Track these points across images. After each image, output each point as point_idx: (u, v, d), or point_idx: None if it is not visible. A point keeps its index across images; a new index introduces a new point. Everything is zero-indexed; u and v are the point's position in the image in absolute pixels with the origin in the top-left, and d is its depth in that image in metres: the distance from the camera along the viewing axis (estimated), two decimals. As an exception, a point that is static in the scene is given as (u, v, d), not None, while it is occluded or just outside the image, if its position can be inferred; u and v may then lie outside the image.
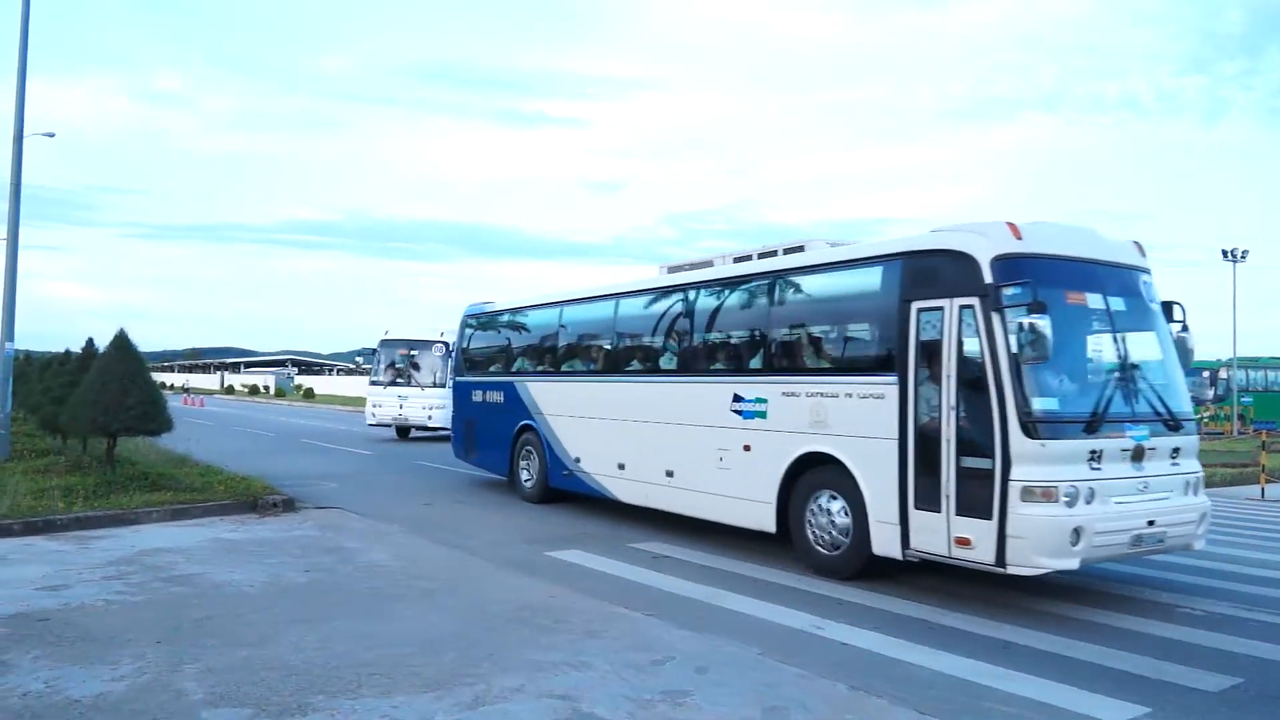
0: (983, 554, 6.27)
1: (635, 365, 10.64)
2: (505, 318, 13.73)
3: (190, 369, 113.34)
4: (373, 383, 24.33)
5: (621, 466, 10.29)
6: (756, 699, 4.58)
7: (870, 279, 7.66)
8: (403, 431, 24.36)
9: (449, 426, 22.36)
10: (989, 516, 6.23)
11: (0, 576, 6.98)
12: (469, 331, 14.51)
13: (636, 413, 10.11)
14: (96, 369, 11.17)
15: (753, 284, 8.99)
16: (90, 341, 14.21)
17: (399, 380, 23.58)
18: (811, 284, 8.42)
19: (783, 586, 7.35)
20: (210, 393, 73.30)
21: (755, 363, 8.75)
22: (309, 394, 62.44)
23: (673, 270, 10.44)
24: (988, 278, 6.45)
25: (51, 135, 20.17)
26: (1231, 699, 4.88)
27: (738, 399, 8.62)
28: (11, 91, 13.93)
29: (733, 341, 9.37)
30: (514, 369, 13.03)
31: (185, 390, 69.02)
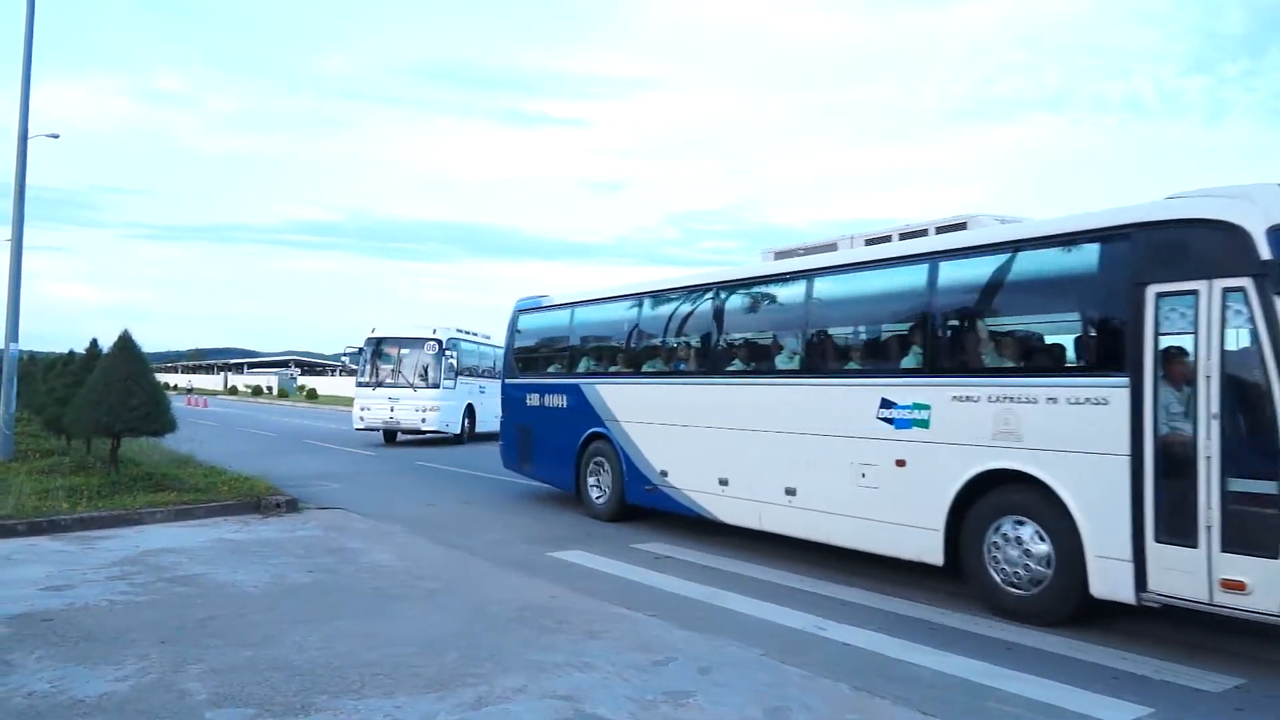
0: (1265, 601, 5.09)
1: (741, 365, 9.22)
2: (567, 312, 12.05)
3: (193, 369, 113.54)
4: (360, 384, 22.63)
5: (724, 483, 8.88)
6: (759, 699, 4.59)
7: (1082, 259, 6.32)
8: (390, 435, 22.93)
9: (443, 429, 21.75)
10: (1276, 554, 5.04)
11: (4, 576, 7.00)
12: (521, 328, 13.04)
13: (745, 420, 8.70)
14: (100, 370, 11.19)
15: (903, 268, 7.56)
16: (94, 342, 14.24)
17: (389, 380, 22.04)
18: (990, 267, 6.94)
19: (784, 587, 7.35)
20: (213, 393, 73.41)
21: (910, 361, 7.31)
22: (312, 395, 62.54)
23: (781, 256, 9.11)
24: (1265, 253, 5.22)
25: (56, 136, 20.23)
26: (1234, 700, 4.87)
27: (887, 405, 7.27)
28: (15, 93, 13.95)
29: (877, 337, 8.12)
30: (580, 369, 11.61)
31: (189, 391, 69.12)
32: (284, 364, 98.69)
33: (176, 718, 4.22)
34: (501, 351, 26.99)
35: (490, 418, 24.71)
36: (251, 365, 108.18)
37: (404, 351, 22.30)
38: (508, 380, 13.12)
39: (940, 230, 7.59)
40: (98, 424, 10.90)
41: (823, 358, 8.27)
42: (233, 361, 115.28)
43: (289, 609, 6.21)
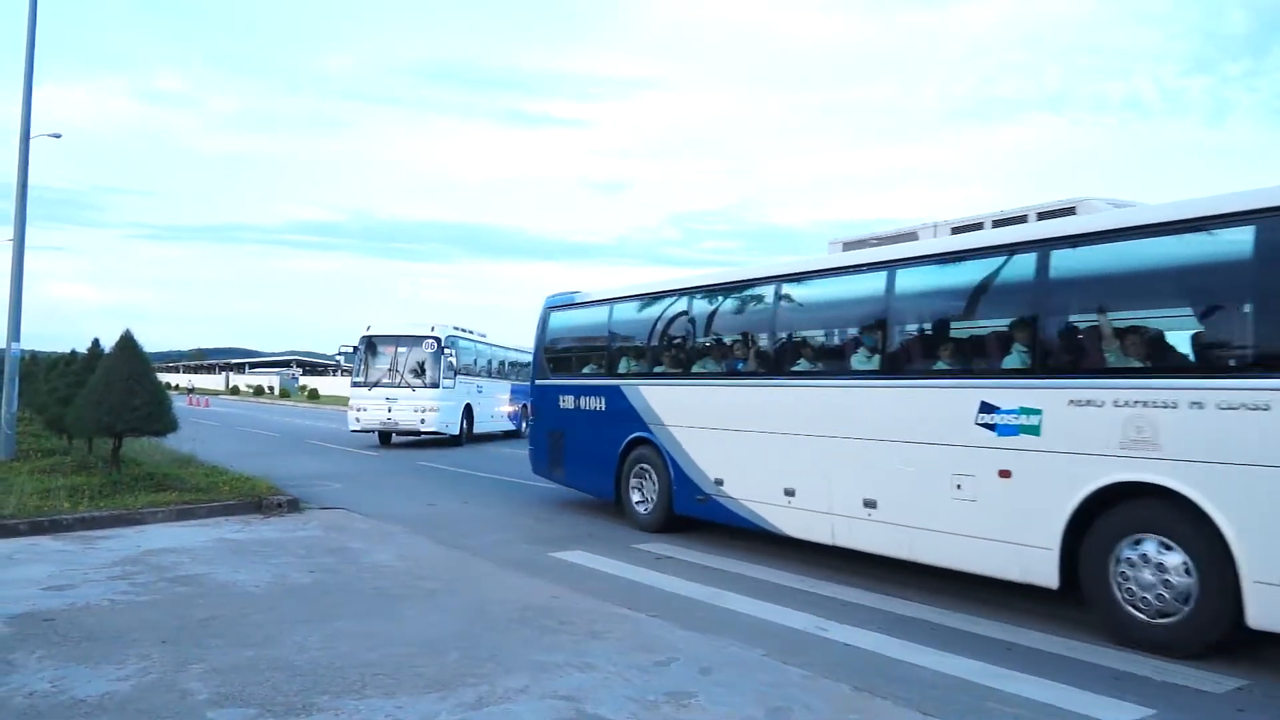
0: None
1: (809, 365, 8.50)
2: (605, 309, 11.27)
3: (195, 369, 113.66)
4: (355, 384, 21.59)
5: (790, 493, 8.15)
6: (760, 700, 4.58)
7: (1233, 244, 5.56)
8: (385, 437, 22.05)
9: (443, 430, 21.01)
10: None
11: (6, 576, 7.01)
12: (553, 326, 12.24)
13: (815, 425, 7.95)
14: (102, 369, 11.21)
15: (1006, 258, 6.84)
16: (96, 342, 14.26)
17: (386, 380, 21.10)
18: (1115, 255, 6.24)
19: (786, 587, 7.35)
20: (215, 393, 73.48)
21: (1014, 361, 6.60)
22: (313, 394, 62.59)
23: (851, 246, 8.47)
24: None
25: (58, 136, 20.30)
26: (1236, 701, 4.87)
27: (989, 409, 6.54)
28: (17, 94, 13.96)
29: (974, 335, 7.33)
30: (621, 370, 10.89)
31: (190, 391, 69.18)
32: (285, 364, 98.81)
33: (178, 718, 4.22)
34: (500, 351, 26.45)
35: (488, 418, 24.27)
36: (253, 365, 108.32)
37: (401, 350, 21.40)
38: (538, 381, 12.33)
39: (1044, 216, 6.93)
40: (99, 424, 10.91)
41: (909, 357, 7.59)
42: (234, 361, 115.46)
43: (290, 609, 6.21)
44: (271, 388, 74.46)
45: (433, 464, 17.44)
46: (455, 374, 21.49)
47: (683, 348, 10.11)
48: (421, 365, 21.07)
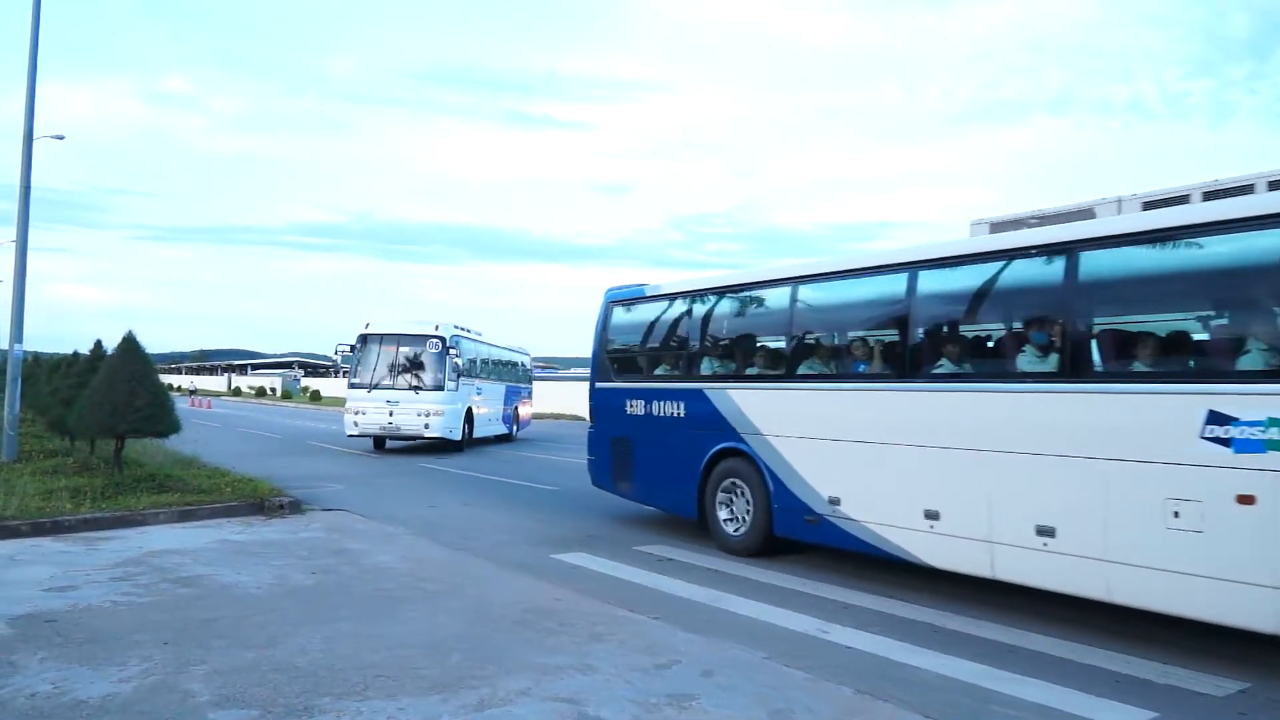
0: None
1: (957, 366, 7.24)
2: (684, 304, 10.15)
3: (197, 371, 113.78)
4: (353, 385, 20.01)
5: (933, 516, 6.99)
6: (762, 702, 4.58)
7: None
8: (379, 442, 20.74)
9: (447, 435, 19.75)
10: None
11: (8, 577, 7.01)
12: (616, 323, 11.12)
13: (969, 437, 6.77)
14: (104, 371, 11.22)
15: (1239, 236, 5.58)
16: (98, 343, 14.29)
17: (386, 382, 19.64)
18: None
19: (788, 590, 7.34)
20: (217, 395, 73.56)
21: (1254, 362, 5.40)
22: (315, 396, 62.64)
23: (1000, 227, 7.59)
24: None
25: (61, 138, 20.33)
26: (1238, 704, 4.86)
27: (1220, 420, 5.34)
28: (21, 94, 13.98)
29: (1194, 331, 6.18)
30: (704, 371, 9.66)
31: (192, 392, 69.25)
32: (288, 365, 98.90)
33: (180, 719, 4.23)
34: (496, 350, 25.20)
35: (486, 422, 23.26)
36: (255, 366, 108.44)
37: (403, 349, 19.95)
38: (598, 384, 11.09)
39: (1276, 185, 5.99)
40: (102, 425, 10.92)
41: (1099, 358, 6.32)
42: (236, 363, 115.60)
43: (292, 610, 6.21)
44: (274, 389, 74.54)
45: (434, 466, 17.44)
46: (459, 375, 20.46)
47: (787, 346, 8.77)
48: (425, 366, 19.77)
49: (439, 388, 19.62)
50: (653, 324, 10.65)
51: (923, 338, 7.54)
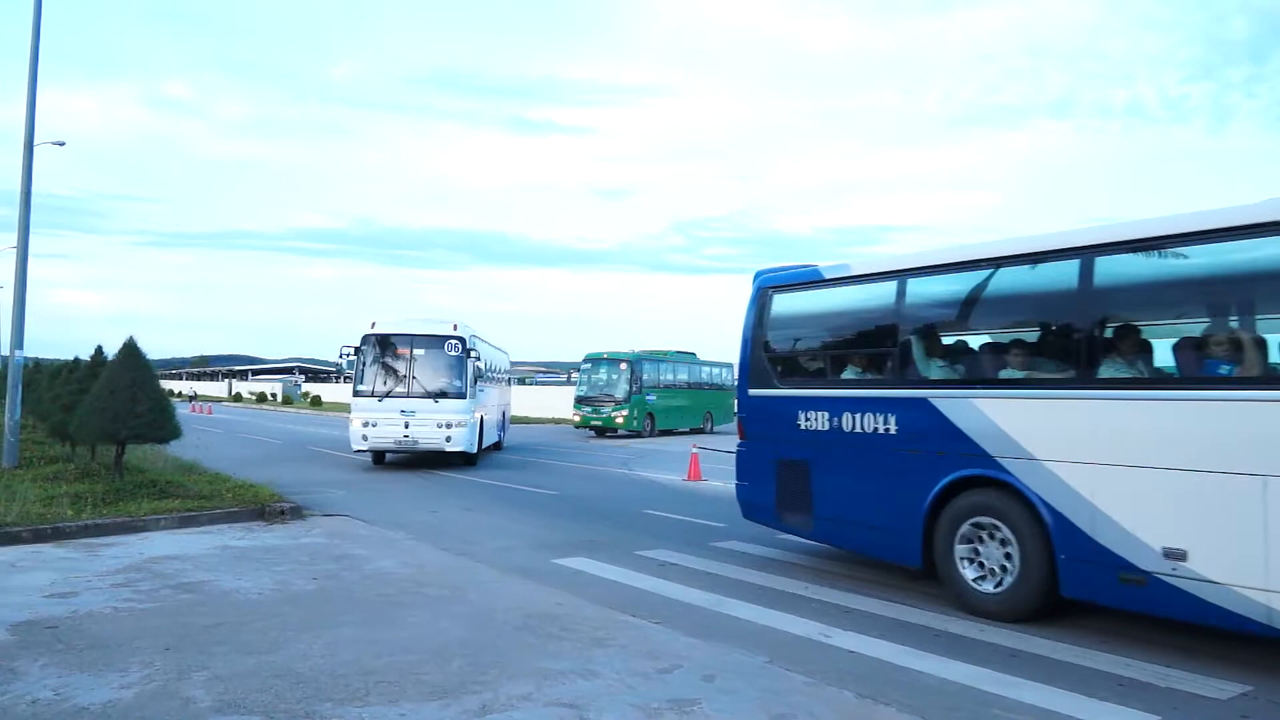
0: None
1: None
2: (885, 286, 7.81)
3: (198, 376, 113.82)
4: (360, 393, 17.12)
5: None
6: (764, 707, 4.58)
7: None
8: (379, 456, 18.08)
9: (468, 449, 17.29)
10: None
11: (9, 584, 7.01)
12: (778, 314, 8.83)
13: None
14: (105, 377, 11.23)
15: None
16: (99, 349, 14.31)
17: (400, 390, 16.94)
18: None
19: (789, 594, 7.33)
20: (218, 400, 73.55)
21: None
22: (316, 401, 62.61)
23: None
24: None
25: (62, 144, 20.36)
26: (1240, 706, 4.85)
27: None
28: (22, 101, 14.00)
29: None
30: (927, 373, 7.39)
31: (193, 398, 69.26)
32: (289, 371, 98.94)
33: (181, 725, 4.22)
34: (493, 351, 22.28)
35: (491, 429, 21.66)
36: (256, 372, 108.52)
37: (418, 352, 17.30)
38: (753, 392, 8.82)
39: None
40: (103, 431, 10.93)
41: None
42: (238, 368, 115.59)
43: (293, 616, 6.21)
44: (275, 395, 74.48)
45: (434, 471, 17.41)
46: (478, 380, 18.13)
47: (1084, 339, 6.37)
48: (444, 370, 17.23)
49: (460, 395, 17.04)
50: (836, 314, 8.53)
51: None
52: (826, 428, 8.00)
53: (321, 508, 11.56)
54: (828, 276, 8.45)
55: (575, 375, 36.11)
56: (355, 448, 17.35)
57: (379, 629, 5.92)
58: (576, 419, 30.56)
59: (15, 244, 13.88)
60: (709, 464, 17.67)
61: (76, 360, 16.74)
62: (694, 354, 34.21)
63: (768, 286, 8.95)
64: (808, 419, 8.19)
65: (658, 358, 31.86)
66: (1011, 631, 6.23)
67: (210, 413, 46.67)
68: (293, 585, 7.17)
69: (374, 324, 17.50)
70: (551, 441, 26.77)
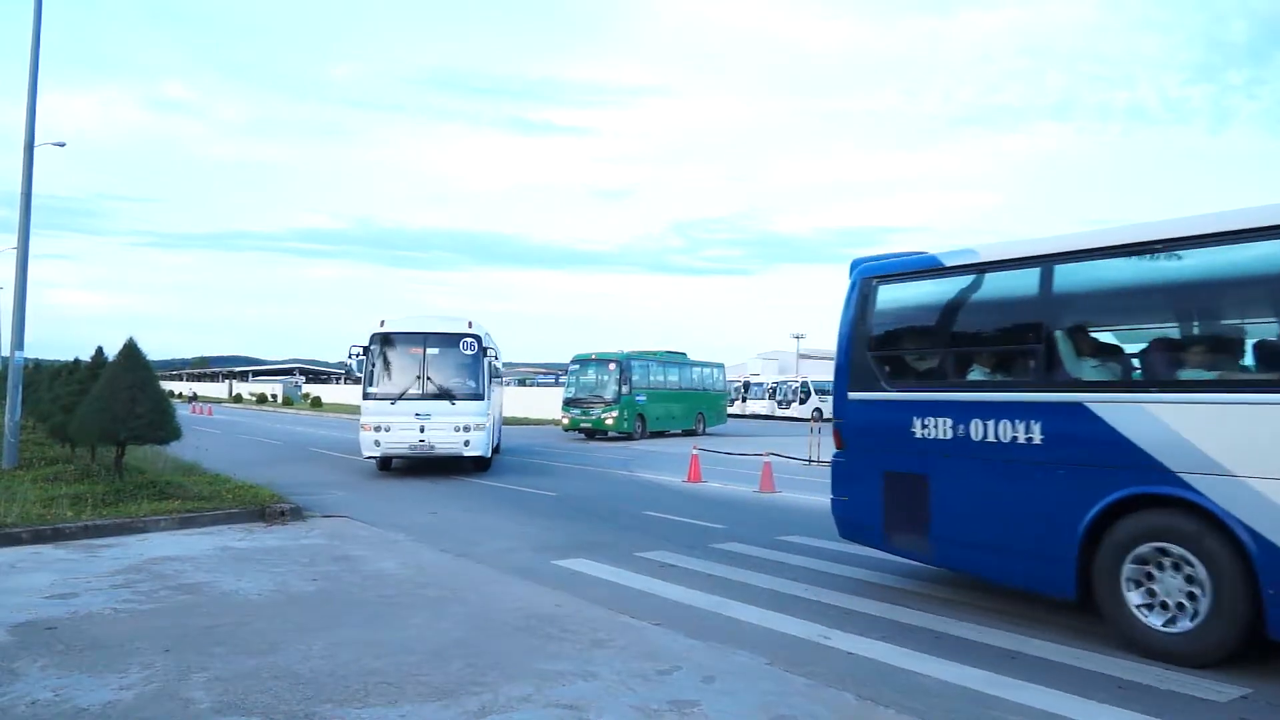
0: None
1: None
2: (1030, 274, 6.70)
3: (198, 377, 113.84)
4: (370, 395, 16.15)
5: None
6: (764, 709, 4.58)
7: None
8: (385, 462, 17.07)
9: (484, 453, 16.49)
10: None
11: (9, 585, 7.01)
12: (884, 308, 7.83)
13: None
14: (105, 378, 11.24)
15: None
16: (99, 350, 14.33)
17: (414, 391, 15.97)
18: None
19: (789, 595, 7.33)
20: (218, 401, 73.55)
21: None
22: (316, 403, 62.60)
23: None
24: None
25: (62, 145, 20.36)
26: (1239, 709, 4.85)
27: None
28: (23, 102, 14.02)
29: None
30: (1080, 374, 6.38)
31: (193, 399, 69.26)
32: (289, 372, 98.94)
33: (181, 726, 4.22)
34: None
35: (495, 430, 21.01)
36: (256, 373, 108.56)
37: (432, 351, 16.34)
38: (854, 395, 7.78)
39: None
40: (103, 432, 10.93)
41: None
42: (238, 369, 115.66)
43: (293, 617, 6.21)
44: (275, 396, 74.52)
45: (434, 473, 17.41)
46: (494, 381, 17.20)
47: None
48: (460, 370, 16.33)
49: (478, 396, 16.13)
50: (961, 306, 7.44)
51: None
52: (949, 436, 6.97)
53: (322, 509, 11.56)
54: (949, 264, 7.39)
55: (564, 376, 35.58)
56: (366, 454, 16.35)
57: (379, 630, 5.92)
58: (565, 421, 29.80)
59: (15, 245, 13.88)
60: (709, 465, 17.66)
61: (76, 361, 16.77)
62: (685, 354, 33.54)
63: (871, 277, 7.89)
64: (925, 426, 7.15)
65: (648, 358, 31.23)
66: (1010, 633, 6.22)
67: (210, 414, 46.67)
68: (293, 586, 7.17)
69: (383, 322, 16.52)
70: (546, 443, 26.73)
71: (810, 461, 19.49)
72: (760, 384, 53.39)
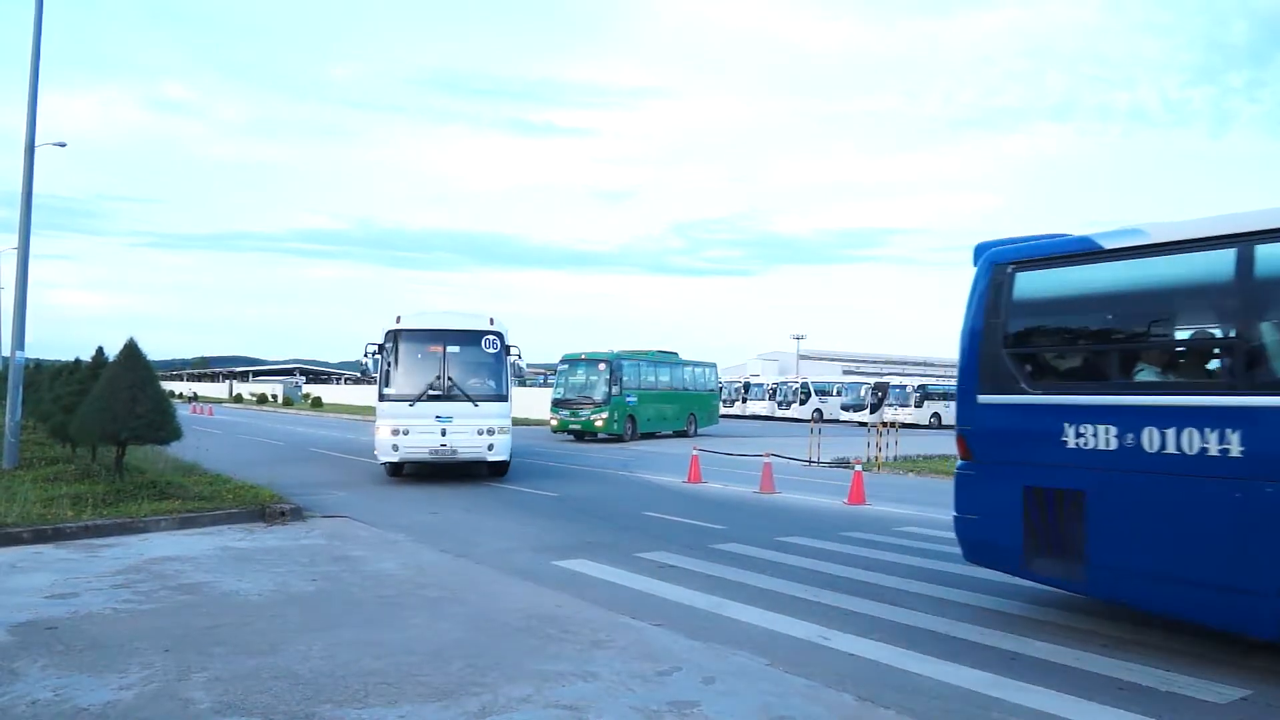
0: None
1: None
2: (1206, 256, 5.84)
3: (199, 377, 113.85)
4: (386, 397, 15.07)
5: None
6: (763, 709, 4.58)
7: None
8: (397, 467, 15.97)
9: (505, 457, 15.70)
10: None
11: (9, 585, 7.02)
12: (1021, 298, 6.80)
13: None
14: (106, 378, 11.24)
15: None
16: (100, 350, 14.31)
17: (434, 391, 14.94)
18: None
19: (789, 596, 7.33)
20: (219, 401, 73.56)
21: None
22: (317, 403, 62.59)
23: None
24: None
25: (63, 145, 20.38)
26: (1239, 711, 4.85)
27: None
28: (23, 102, 14.02)
29: None
30: None
31: (193, 399, 69.27)
32: (289, 372, 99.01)
33: (180, 726, 4.22)
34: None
35: None
36: (257, 373, 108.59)
37: (452, 349, 15.31)
38: (984, 399, 6.79)
39: None
40: (103, 432, 10.93)
41: None
42: (238, 370, 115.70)
43: (293, 617, 6.22)
44: (275, 396, 74.52)
45: (433, 472, 17.41)
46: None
47: None
48: (483, 370, 15.43)
49: (501, 397, 15.29)
50: (1125, 295, 6.53)
51: None
52: (1113, 446, 5.93)
53: (322, 509, 11.56)
54: (1110, 247, 6.30)
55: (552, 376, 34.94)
56: (384, 459, 15.27)
57: (379, 630, 5.92)
58: (554, 423, 29.06)
59: (16, 245, 13.90)
60: (709, 466, 17.67)
61: (77, 361, 16.76)
62: (676, 354, 33.00)
63: (1007, 263, 6.85)
64: (1081, 434, 6.12)
65: (638, 358, 30.65)
66: (1011, 635, 6.22)
67: (211, 414, 46.67)
68: (293, 586, 7.17)
69: (399, 318, 15.45)
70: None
71: (810, 462, 19.49)
72: (760, 385, 53.43)
